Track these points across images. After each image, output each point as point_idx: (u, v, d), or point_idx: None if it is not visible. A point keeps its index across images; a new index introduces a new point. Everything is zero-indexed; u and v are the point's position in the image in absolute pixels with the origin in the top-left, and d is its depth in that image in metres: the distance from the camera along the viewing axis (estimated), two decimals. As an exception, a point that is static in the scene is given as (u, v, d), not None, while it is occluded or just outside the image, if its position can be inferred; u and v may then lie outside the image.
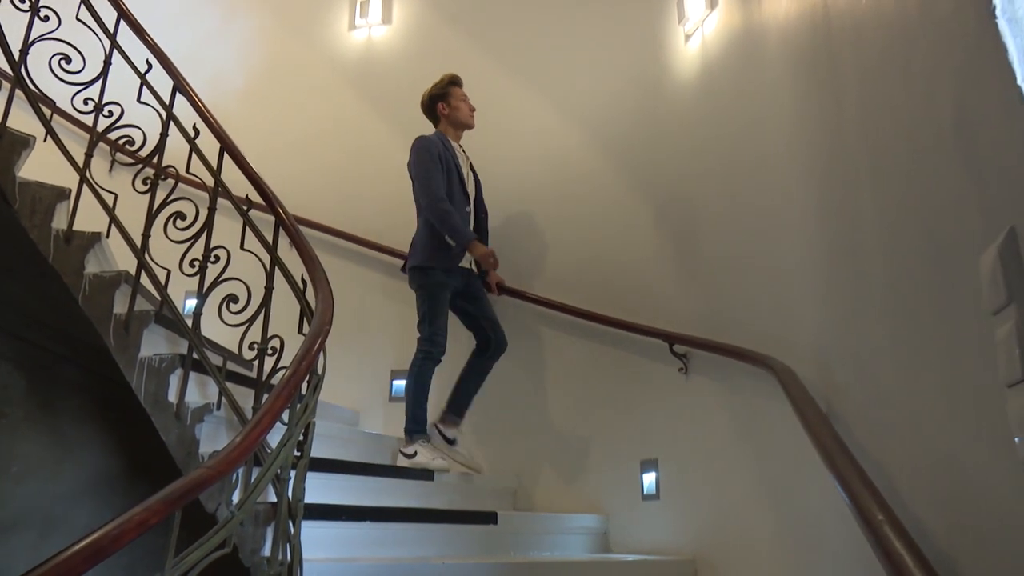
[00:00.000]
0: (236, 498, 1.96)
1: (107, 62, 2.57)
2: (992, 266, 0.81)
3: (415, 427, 2.99)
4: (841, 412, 1.74)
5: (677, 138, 3.20)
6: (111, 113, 2.53)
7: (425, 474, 2.90)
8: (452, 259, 3.09)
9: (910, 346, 1.20)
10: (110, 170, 3.46)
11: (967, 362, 0.97)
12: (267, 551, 1.95)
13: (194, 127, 2.51)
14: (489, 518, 2.64)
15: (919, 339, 1.16)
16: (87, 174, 2.43)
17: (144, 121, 2.52)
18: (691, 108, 3.12)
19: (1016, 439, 0.79)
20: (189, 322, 2.30)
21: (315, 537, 2.17)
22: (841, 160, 1.60)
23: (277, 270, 2.35)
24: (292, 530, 1.90)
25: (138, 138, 2.52)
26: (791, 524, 2.16)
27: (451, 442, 3.10)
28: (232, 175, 2.51)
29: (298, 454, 2.02)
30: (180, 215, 2.41)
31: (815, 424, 1.64)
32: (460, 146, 3.38)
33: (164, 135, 2.53)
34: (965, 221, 0.94)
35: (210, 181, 2.49)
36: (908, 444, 1.26)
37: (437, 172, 3.13)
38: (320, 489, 2.41)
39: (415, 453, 2.90)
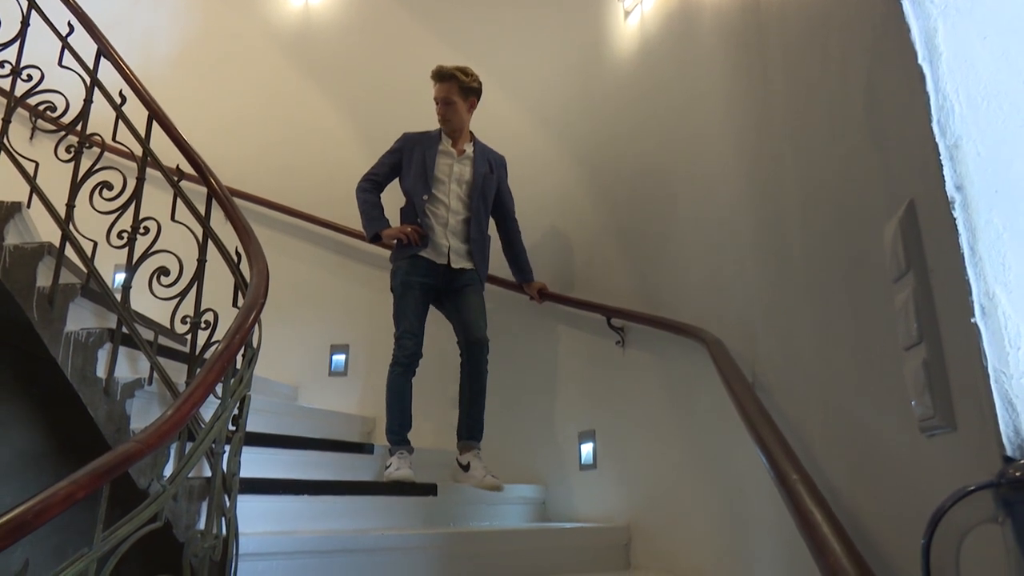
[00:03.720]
0: (168, 473, 1.93)
1: (24, 23, 2.45)
2: (893, 237, 0.86)
3: (390, 437, 2.87)
4: (765, 382, 1.82)
5: (617, 115, 3.23)
6: (30, 77, 2.42)
7: (365, 448, 2.90)
8: (412, 251, 2.97)
9: (824, 316, 1.27)
10: (31, 138, 3.31)
11: (874, 330, 1.02)
12: (202, 526, 1.93)
13: (120, 93, 2.42)
14: (429, 490, 2.67)
15: (832, 309, 1.22)
16: (4, 141, 2.33)
17: (67, 87, 2.42)
18: (630, 85, 3.15)
19: (911, 400, 0.84)
20: (118, 296, 2.23)
21: (253, 511, 2.16)
22: (768, 136, 1.65)
23: (210, 242, 2.30)
24: (227, 504, 1.89)
25: (60, 104, 2.42)
26: (721, 490, 2.24)
27: (465, 468, 2.89)
28: (162, 144, 2.43)
29: (233, 428, 2.00)
30: (107, 185, 2.34)
31: (740, 393, 1.70)
32: (464, 149, 3.17)
33: (88, 101, 2.43)
34: (873, 195, 0.99)
35: (138, 150, 2.41)
36: (823, 410, 1.33)
37: (383, 159, 3.16)
38: (258, 463, 2.39)
39: (389, 465, 2.77)
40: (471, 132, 3.19)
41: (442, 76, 3.07)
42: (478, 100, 3.16)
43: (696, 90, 2.53)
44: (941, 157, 0.74)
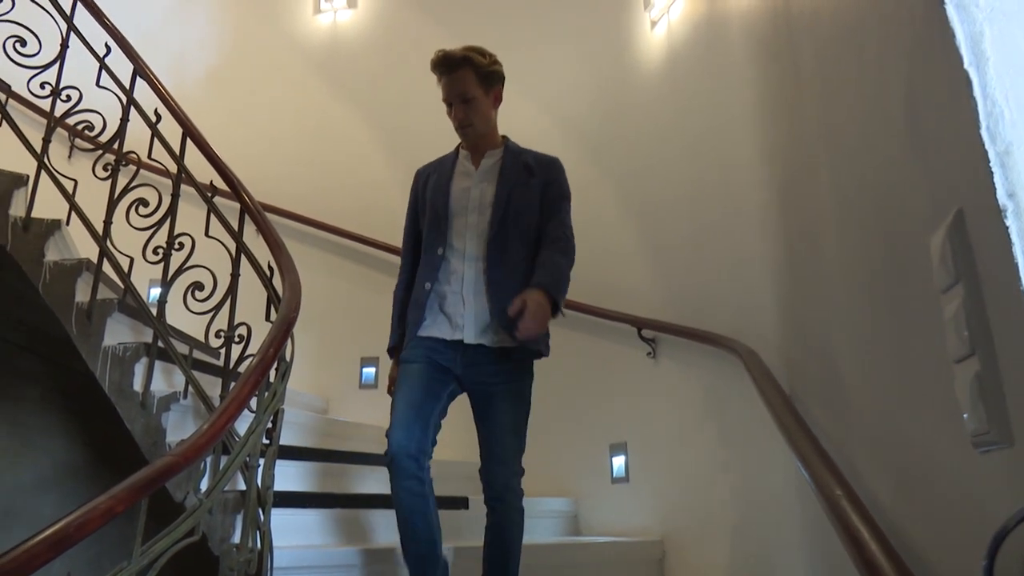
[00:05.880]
0: (204, 486, 1.95)
1: (64, 45, 2.51)
2: (941, 247, 0.84)
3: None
4: (802, 393, 1.79)
5: (642, 124, 3.22)
6: (69, 98, 2.47)
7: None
8: (414, 328, 2.02)
9: (865, 327, 1.24)
10: (69, 156, 3.39)
11: (919, 341, 1.00)
12: (236, 539, 1.94)
13: (155, 112, 2.47)
14: (460, 503, 2.66)
15: (873, 320, 1.19)
16: (45, 160, 2.38)
17: (104, 106, 2.47)
18: (657, 94, 3.14)
19: (964, 414, 0.82)
20: (154, 310, 2.26)
21: (285, 524, 2.17)
22: (801, 145, 1.63)
23: (243, 257, 2.32)
24: (262, 518, 1.90)
25: (98, 123, 2.47)
26: (756, 503, 2.21)
27: None
28: (196, 161, 2.47)
29: (267, 441, 2.01)
30: (143, 202, 2.38)
31: (778, 405, 1.68)
32: (484, 159, 2.15)
33: (125, 120, 2.48)
34: (914, 203, 0.96)
35: (173, 167, 2.45)
36: (864, 423, 1.30)
37: (408, 223, 2.20)
38: (289, 476, 2.41)
39: None
40: (504, 137, 2.21)
41: (451, 64, 2.03)
42: (502, 89, 2.17)
43: (725, 98, 2.51)
44: (991, 164, 0.72)
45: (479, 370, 1.97)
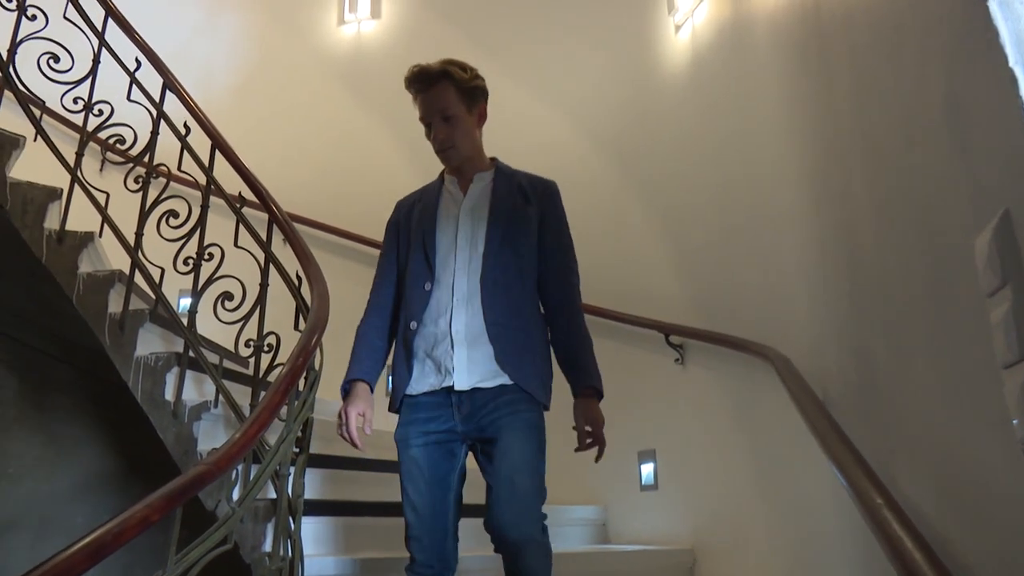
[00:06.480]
0: (235, 495, 1.96)
1: (96, 61, 2.56)
2: (987, 249, 0.82)
3: None
4: (837, 399, 1.76)
5: (667, 128, 3.20)
6: (101, 112, 2.52)
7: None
8: (400, 389, 1.79)
9: (904, 331, 1.21)
10: (101, 169, 3.44)
11: (962, 345, 0.97)
12: (268, 547, 1.95)
13: (185, 125, 2.50)
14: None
15: (913, 323, 1.16)
16: (78, 173, 2.42)
17: (134, 119, 2.51)
18: (681, 99, 3.12)
19: (1014, 420, 0.80)
20: (184, 320, 2.29)
21: (315, 532, 2.18)
22: (834, 146, 1.61)
23: (272, 267, 2.34)
24: (292, 526, 1.91)
25: (129, 137, 2.51)
26: (789, 511, 2.17)
27: None
28: (224, 172, 2.50)
29: (297, 450, 2.02)
30: (173, 213, 2.41)
31: (812, 412, 1.65)
32: (472, 185, 1.86)
33: (155, 133, 2.52)
34: (957, 204, 0.94)
35: (202, 179, 2.48)
36: (904, 428, 1.27)
37: (384, 257, 1.93)
38: (319, 484, 2.42)
39: None
40: (493, 159, 1.93)
41: (428, 78, 1.78)
42: (487, 106, 1.88)
43: (751, 100, 2.49)
44: (1041, 164, 0.70)
45: (479, 414, 1.65)
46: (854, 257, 1.51)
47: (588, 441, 1.71)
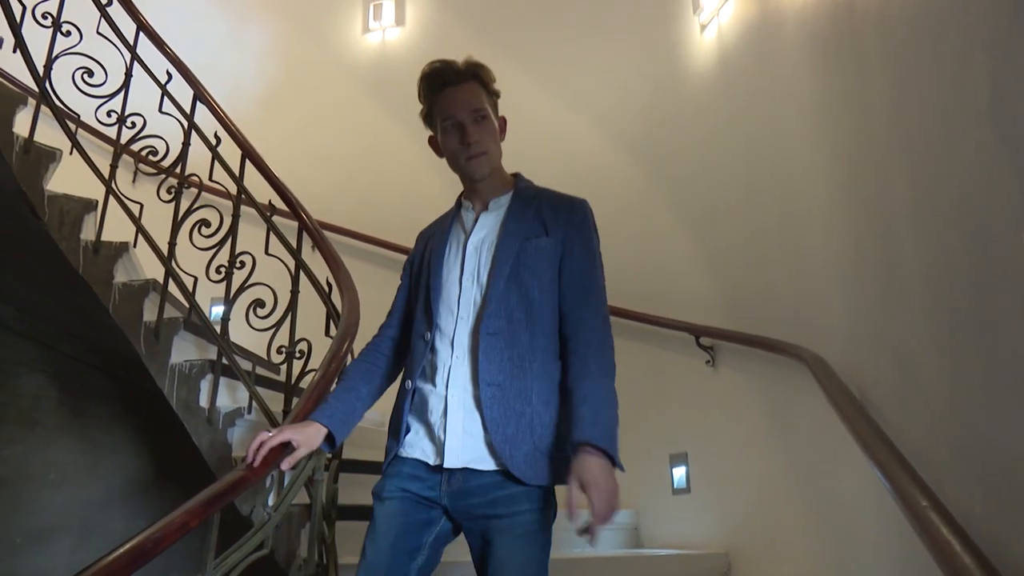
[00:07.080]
0: (270, 501, 1.98)
1: (128, 74, 2.60)
2: (1036, 243, 0.80)
3: None
4: (875, 400, 1.72)
5: (694, 129, 3.17)
6: (134, 124, 2.56)
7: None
8: (405, 444, 1.47)
9: (947, 330, 1.19)
10: (134, 180, 3.49)
11: (1008, 342, 0.95)
12: (302, 552, 1.96)
13: (215, 135, 2.54)
14: None
15: (956, 322, 1.14)
16: (113, 185, 2.46)
17: (166, 131, 2.55)
18: (708, 99, 3.09)
19: (1066, 419, 0.77)
20: (217, 328, 2.32)
21: (348, 537, 2.18)
22: (870, 144, 1.58)
23: (302, 274, 2.36)
24: (326, 531, 1.91)
25: (161, 148, 2.55)
26: (825, 514, 2.14)
27: None
28: (254, 181, 2.53)
29: (330, 455, 2.03)
30: (205, 222, 2.44)
31: (851, 413, 1.62)
32: (490, 210, 1.56)
33: (186, 144, 2.56)
34: (1002, 200, 0.92)
35: (233, 188, 2.51)
36: (948, 428, 1.25)
37: (397, 292, 1.68)
38: (354, 489, 2.42)
39: None
40: (515, 176, 1.64)
41: (457, 74, 1.54)
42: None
43: (779, 99, 2.46)
44: (1094, 155, 0.68)
45: (471, 500, 1.37)
46: (892, 256, 1.48)
47: (585, 515, 1.28)
